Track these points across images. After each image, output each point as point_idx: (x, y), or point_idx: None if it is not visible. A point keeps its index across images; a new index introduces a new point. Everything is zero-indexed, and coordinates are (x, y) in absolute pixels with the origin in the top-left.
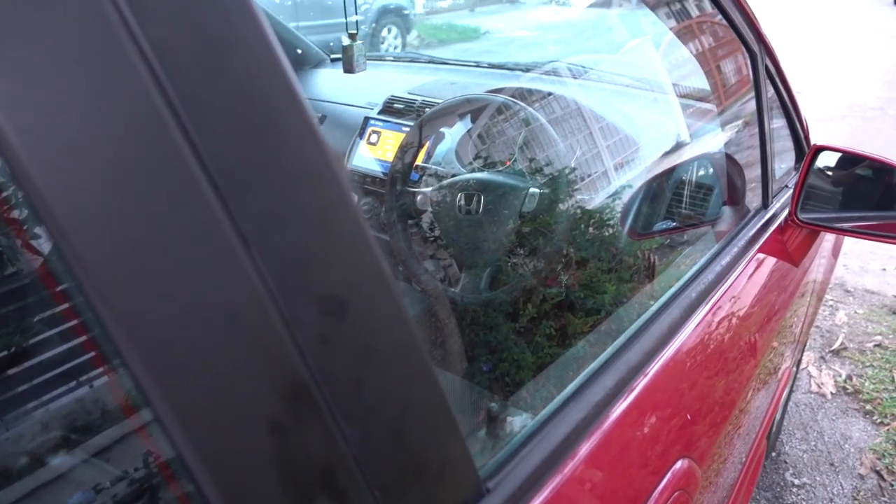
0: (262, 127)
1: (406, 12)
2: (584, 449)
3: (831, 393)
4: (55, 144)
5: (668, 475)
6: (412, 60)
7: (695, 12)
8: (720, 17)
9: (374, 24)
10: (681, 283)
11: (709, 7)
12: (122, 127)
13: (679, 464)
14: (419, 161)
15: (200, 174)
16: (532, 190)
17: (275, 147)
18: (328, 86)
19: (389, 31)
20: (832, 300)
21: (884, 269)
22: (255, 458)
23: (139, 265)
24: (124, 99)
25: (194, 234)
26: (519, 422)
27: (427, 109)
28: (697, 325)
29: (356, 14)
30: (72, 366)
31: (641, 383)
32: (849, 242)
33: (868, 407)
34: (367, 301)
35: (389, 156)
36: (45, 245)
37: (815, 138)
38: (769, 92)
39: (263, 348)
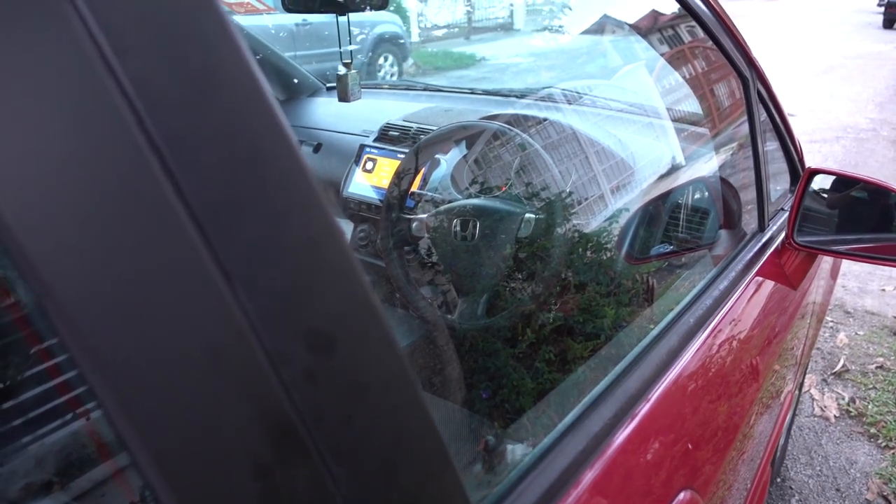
0: (245, 160)
1: (402, 41)
2: (583, 484)
3: (835, 416)
4: (30, 180)
5: None
6: (407, 88)
7: (687, 38)
8: (710, 41)
9: (370, 53)
10: (679, 308)
11: (700, 33)
12: (100, 160)
13: (682, 495)
14: (415, 188)
15: (180, 207)
16: (528, 215)
17: (259, 180)
18: (324, 114)
19: (386, 59)
20: (832, 322)
21: (883, 290)
22: (238, 503)
23: (115, 302)
24: (102, 133)
25: (173, 269)
26: (517, 453)
27: (422, 136)
28: (697, 350)
29: (351, 43)
30: (42, 411)
31: (641, 412)
32: (847, 263)
33: (872, 430)
34: (356, 335)
35: (385, 183)
36: (14, 281)
37: (810, 160)
38: (762, 116)
39: (246, 386)
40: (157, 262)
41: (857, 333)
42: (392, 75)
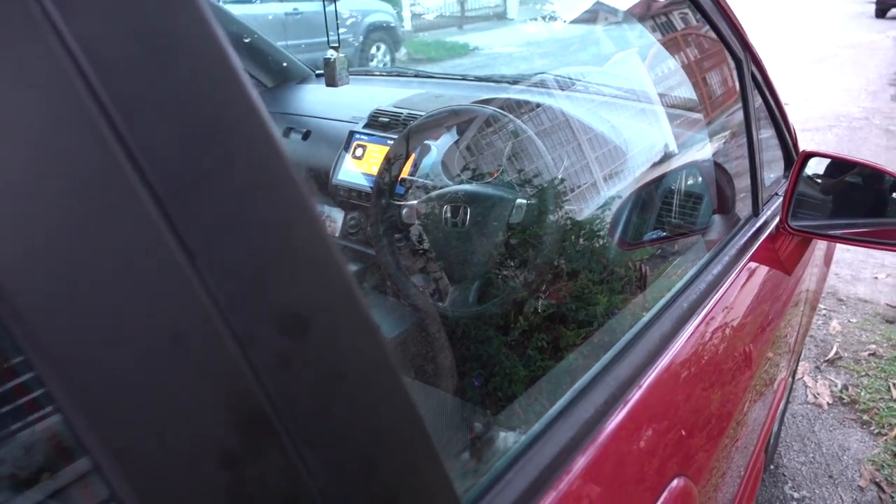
0: (209, 132)
1: (393, 25)
2: (573, 471)
3: (828, 403)
4: None
5: (663, 497)
6: (398, 75)
7: (681, 25)
8: (706, 25)
9: (362, 39)
10: (672, 293)
11: (693, 20)
12: (48, 132)
13: (675, 483)
14: (405, 174)
15: (137, 180)
16: (520, 201)
17: (224, 153)
18: (313, 101)
19: (378, 48)
20: (825, 309)
21: (875, 278)
22: (205, 496)
23: (65, 283)
24: (48, 101)
25: (131, 248)
26: (508, 441)
27: (413, 122)
28: (690, 336)
29: (339, 28)
30: None
31: (632, 399)
32: (840, 251)
33: (865, 417)
34: (333, 319)
35: (375, 169)
36: None
37: (803, 147)
38: (756, 100)
39: (214, 371)
40: (113, 241)
41: (849, 321)
42: (384, 64)
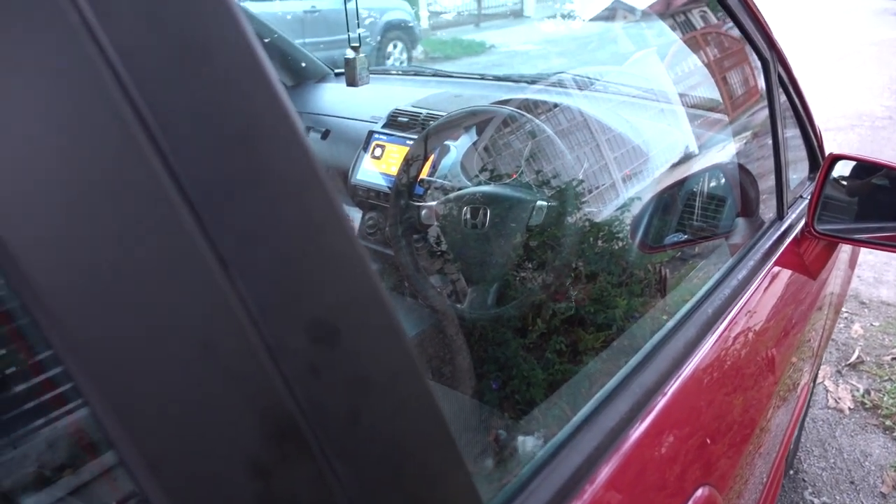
0: (242, 137)
1: (411, 24)
2: (598, 481)
3: (849, 408)
4: (6, 157)
5: None
6: (416, 74)
7: (700, 23)
8: (732, 24)
9: (379, 38)
10: (696, 298)
11: (713, 19)
12: (83, 138)
13: (699, 492)
14: (424, 174)
15: (172, 188)
16: (539, 203)
17: (257, 159)
18: (332, 100)
19: (395, 46)
20: (847, 312)
21: None
22: None
23: (101, 292)
24: (84, 107)
25: (165, 256)
26: (528, 446)
27: (431, 122)
28: (715, 342)
29: (359, 27)
30: (23, 409)
31: (658, 406)
32: (863, 253)
33: (888, 423)
34: (362, 326)
35: (394, 170)
36: None
37: (826, 148)
38: (782, 100)
39: (244, 380)
40: (147, 249)
41: (872, 324)
42: (401, 62)
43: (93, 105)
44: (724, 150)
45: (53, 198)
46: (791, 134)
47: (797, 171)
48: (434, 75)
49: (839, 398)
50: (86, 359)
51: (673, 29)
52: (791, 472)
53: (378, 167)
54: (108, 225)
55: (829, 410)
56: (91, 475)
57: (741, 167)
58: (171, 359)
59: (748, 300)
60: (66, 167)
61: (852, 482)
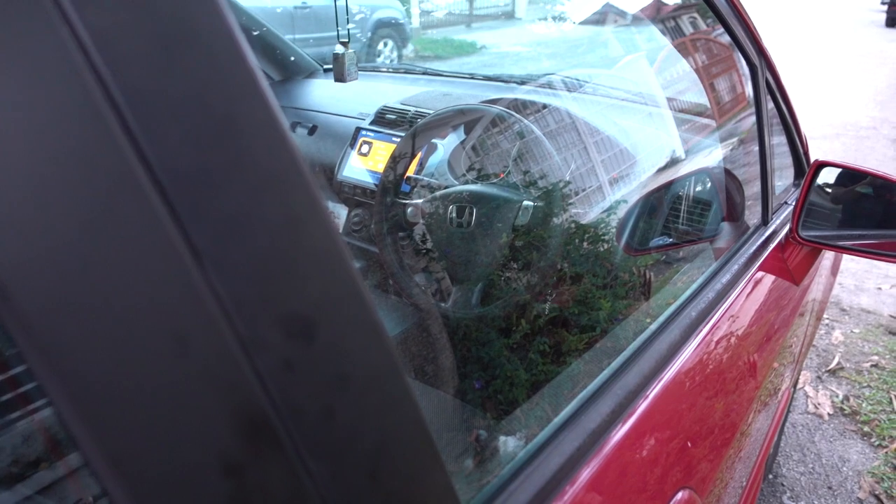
0: (219, 126)
1: (401, 21)
2: (578, 482)
3: (828, 414)
4: None
5: None
6: (406, 72)
7: (690, 29)
8: (720, 29)
9: (370, 35)
10: (680, 301)
11: (703, 24)
12: (52, 122)
13: (680, 495)
14: (411, 172)
15: (143, 176)
16: (525, 203)
17: (235, 150)
18: (320, 96)
19: (385, 44)
20: (828, 319)
21: (879, 289)
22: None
23: (70, 283)
24: (55, 91)
25: (135, 247)
26: (509, 446)
27: (419, 120)
28: (698, 345)
29: (349, 23)
30: None
31: (640, 409)
32: (844, 260)
33: (866, 429)
34: (340, 322)
35: (381, 167)
36: None
37: (811, 155)
38: (769, 106)
39: (216, 375)
40: (118, 239)
41: (852, 331)
42: (392, 61)
43: (67, 94)
44: (711, 155)
45: (15, 185)
46: (777, 140)
47: (783, 178)
48: (424, 73)
49: (819, 404)
50: (49, 352)
51: (663, 33)
52: (770, 476)
53: (365, 164)
54: (73, 213)
55: (809, 416)
56: (55, 477)
57: (727, 172)
58: (140, 352)
59: (731, 304)
60: (28, 152)
61: (830, 487)
